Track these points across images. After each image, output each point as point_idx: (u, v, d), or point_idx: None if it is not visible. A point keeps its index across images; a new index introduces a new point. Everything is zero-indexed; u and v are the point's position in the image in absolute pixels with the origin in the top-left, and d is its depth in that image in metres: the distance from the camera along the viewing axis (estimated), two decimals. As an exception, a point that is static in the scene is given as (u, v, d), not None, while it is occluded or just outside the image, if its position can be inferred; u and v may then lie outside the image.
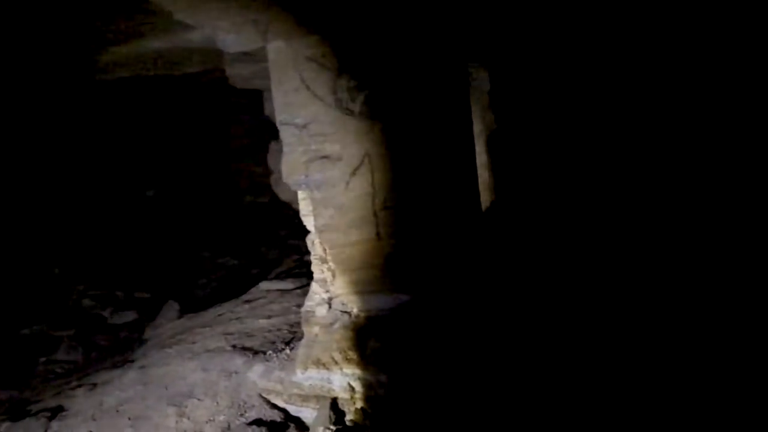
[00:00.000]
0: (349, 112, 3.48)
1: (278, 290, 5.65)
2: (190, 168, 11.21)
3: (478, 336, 3.42)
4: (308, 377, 3.62)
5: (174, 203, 10.96)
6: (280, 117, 3.50)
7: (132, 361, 5.01)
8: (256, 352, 4.18)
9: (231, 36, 3.55)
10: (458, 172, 3.59)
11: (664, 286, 3.35)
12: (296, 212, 3.83)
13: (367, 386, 3.50)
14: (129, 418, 3.84)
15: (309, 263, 7.05)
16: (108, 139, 10.00)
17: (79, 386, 4.67)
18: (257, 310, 5.14)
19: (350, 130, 3.48)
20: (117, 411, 4.01)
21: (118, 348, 5.91)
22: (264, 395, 3.79)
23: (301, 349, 3.62)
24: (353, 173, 3.51)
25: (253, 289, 6.10)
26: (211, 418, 3.67)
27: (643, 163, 3.27)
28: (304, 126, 3.49)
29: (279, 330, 4.56)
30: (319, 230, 3.53)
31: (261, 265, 8.50)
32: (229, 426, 3.58)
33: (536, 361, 3.43)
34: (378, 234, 3.53)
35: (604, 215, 3.39)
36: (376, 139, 3.49)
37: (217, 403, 3.77)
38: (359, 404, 3.50)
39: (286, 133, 3.50)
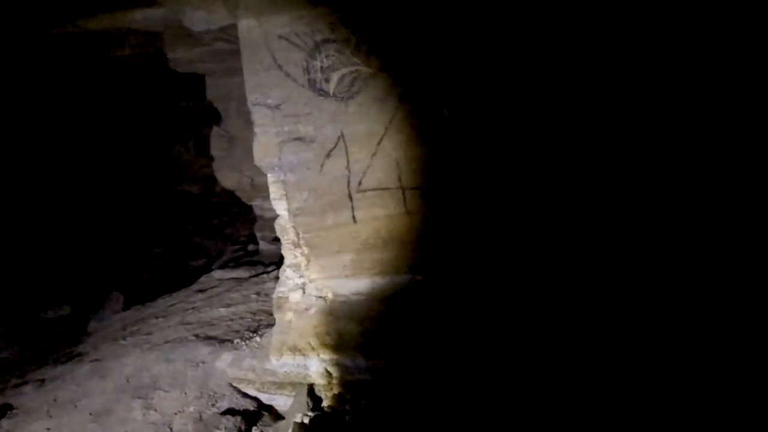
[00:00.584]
0: (323, 93, 3.43)
1: (233, 279, 5.53)
2: (121, 156, 10.74)
3: (459, 321, 3.37)
4: (283, 364, 3.56)
5: (103, 194, 10.49)
6: (251, 97, 3.42)
7: (81, 355, 4.82)
8: (221, 341, 4.07)
9: (199, 13, 3.45)
10: (435, 153, 3.50)
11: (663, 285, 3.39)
12: (231, 201, 3.72)
13: (345, 371, 3.48)
14: (90, 413, 3.70)
15: (253, 252, 6.95)
16: (36, 127, 9.47)
17: (25, 383, 4.45)
18: (214, 299, 5.00)
19: (324, 110, 3.45)
20: (75, 406, 3.85)
21: (58, 343, 5.65)
22: (234, 384, 3.72)
23: (275, 336, 3.55)
24: (328, 155, 3.47)
25: (203, 278, 5.94)
26: (180, 410, 3.57)
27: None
28: (277, 106, 3.41)
29: (242, 318, 4.46)
30: (293, 214, 3.47)
31: (198, 254, 8.23)
32: (200, 416, 3.49)
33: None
34: (354, 217, 3.49)
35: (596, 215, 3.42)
36: (351, 120, 3.45)
37: (185, 393, 3.67)
38: (336, 390, 3.49)
39: (258, 114, 3.42)
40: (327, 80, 3.47)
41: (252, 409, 3.62)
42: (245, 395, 3.73)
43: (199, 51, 6.69)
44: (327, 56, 3.46)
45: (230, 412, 3.57)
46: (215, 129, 7.72)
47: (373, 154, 3.54)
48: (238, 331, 4.32)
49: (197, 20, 3.50)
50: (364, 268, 3.61)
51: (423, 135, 3.57)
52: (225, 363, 3.84)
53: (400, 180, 3.57)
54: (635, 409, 2.99)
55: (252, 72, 3.47)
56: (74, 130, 9.92)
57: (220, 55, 6.93)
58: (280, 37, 3.44)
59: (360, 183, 3.55)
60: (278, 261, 6.16)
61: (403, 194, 3.58)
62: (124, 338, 4.77)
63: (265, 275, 5.49)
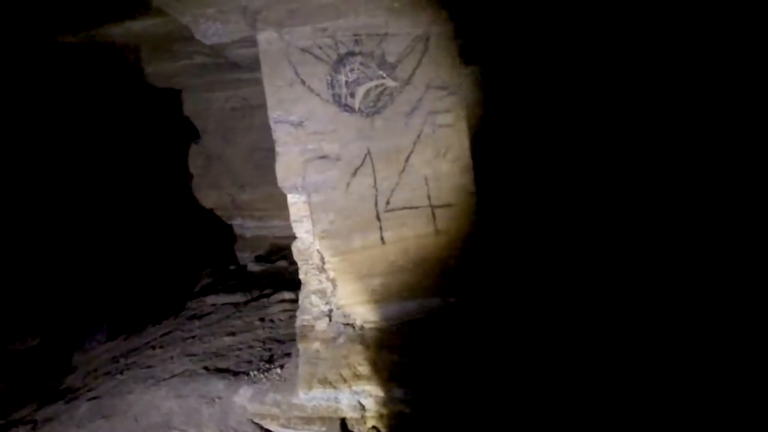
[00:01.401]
0: (348, 108, 3.28)
1: (229, 304, 5.29)
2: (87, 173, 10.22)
3: (499, 344, 3.21)
4: (312, 398, 3.38)
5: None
6: (273, 114, 3.24)
7: (72, 391, 4.51)
8: (235, 374, 3.84)
9: (215, 25, 3.22)
10: (465, 169, 3.35)
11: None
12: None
13: (381, 403, 3.29)
14: (100, 458, 3.34)
15: (236, 273, 6.66)
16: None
17: (12, 426, 4.07)
18: (214, 327, 4.75)
19: (350, 127, 3.32)
20: None
21: (37, 378, 5.22)
22: (257, 421, 3.55)
23: (303, 368, 3.35)
24: (354, 173, 3.32)
25: (192, 304, 5.67)
26: None
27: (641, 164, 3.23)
28: (300, 123, 3.25)
29: (251, 348, 4.22)
30: (319, 237, 3.30)
31: (174, 278, 7.87)
32: None
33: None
34: (382, 238, 3.32)
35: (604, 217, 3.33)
36: (377, 136, 3.33)
37: None
38: (370, 423, 3.35)
39: (280, 132, 3.24)
40: (352, 95, 3.33)
41: (278, 447, 3.36)
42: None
43: (177, 65, 6.40)
44: (352, 70, 3.32)
45: (255, 451, 3.30)
46: (193, 146, 7.42)
47: (401, 171, 3.41)
48: (250, 362, 4.08)
49: (211, 32, 3.29)
50: (394, 292, 3.46)
51: (452, 153, 3.40)
52: (244, 398, 3.61)
53: (429, 198, 3.44)
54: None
55: (273, 87, 3.28)
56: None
57: (199, 69, 6.68)
58: (303, 50, 3.28)
59: (388, 202, 3.40)
60: (270, 283, 5.91)
61: (433, 213, 3.47)
62: (120, 372, 4.48)
63: (264, 299, 5.25)
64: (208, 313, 5.38)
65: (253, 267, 6.64)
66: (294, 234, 6.16)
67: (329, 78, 3.36)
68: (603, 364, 3.23)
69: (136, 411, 3.91)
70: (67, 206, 9.39)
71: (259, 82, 7.02)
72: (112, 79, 7.89)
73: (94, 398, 4.29)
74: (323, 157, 3.42)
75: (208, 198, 7.77)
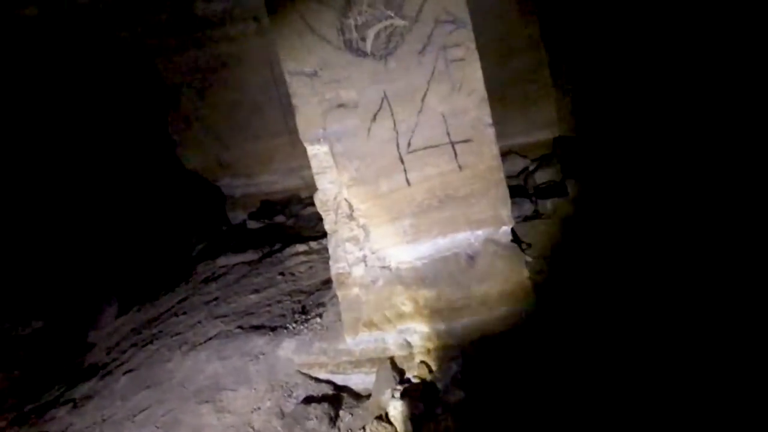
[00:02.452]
0: (361, 53, 3.27)
1: (242, 263, 5.29)
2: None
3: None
4: (359, 341, 3.47)
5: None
6: (287, 66, 3.24)
7: (102, 367, 4.48)
8: (273, 329, 3.92)
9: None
10: (483, 101, 3.36)
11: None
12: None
13: (426, 338, 3.37)
14: (157, 427, 3.43)
15: (233, 232, 6.63)
16: None
17: (51, 407, 4.11)
18: (235, 287, 4.80)
19: (364, 71, 3.32)
20: (132, 422, 3.59)
21: (50, 360, 5.19)
22: (304, 371, 3.59)
23: (346, 314, 3.42)
24: (373, 119, 3.35)
25: (201, 268, 5.63)
26: (256, 407, 3.44)
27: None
28: (315, 74, 3.23)
29: (279, 302, 4.28)
30: (347, 185, 3.35)
31: (169, 243, 7.78)
32: (281, 411, 3.38)
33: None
34: (407, 180, 3.36)
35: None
36: (392, 78, 3.31)
37: (255, 389, 3.53)
38: (419, 358, 3.45)
39: (296, 85, 3.24)
40: (363, 39, 3.31)
41: (331, 393, 3.52)
42: (318, 380, 3.62)
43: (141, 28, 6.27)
44: (360, 13, 3.29)
45: (310, 399, 3.41)
46: (171, 112, 7.27)
47: (419, 111, 3.40)
48: (284, 316, 4.14)
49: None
50: (424, 231, 3.51)
51: (466, 87, 3.41)
52: (288, 350, 3.69)
53: (448, 135, 3.45)
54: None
55: (285, 39, 3.28)
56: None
57: (166, 29, 6.55)
58: (309, -3, 3.18)
59: (409, 143, 3.42)
60: (274, 238, 5.91)
61: (454, 149, 3.49)
62: (150, 342, 4.51)
63: (278, 254, 5.27)
64: (223, 275, 5.39)
65: (252, 224, 6.63)
66: (299, 186, 6.14)
67: (338, 24, 3.32)
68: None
69: (180, 377, 3.95)
70: (54, 184, 9.17)
71: (229, 38, 6.93)
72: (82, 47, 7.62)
73: (131, 371, 4.32)
74: (341, 105, 3.40)
75: (191, 159, 7.68)
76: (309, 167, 7.25)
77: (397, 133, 3.46)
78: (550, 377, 3.08)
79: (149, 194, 10.12)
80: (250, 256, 5.53)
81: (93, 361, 5.05)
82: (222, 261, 5.64)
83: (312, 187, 7.39)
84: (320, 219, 6.12)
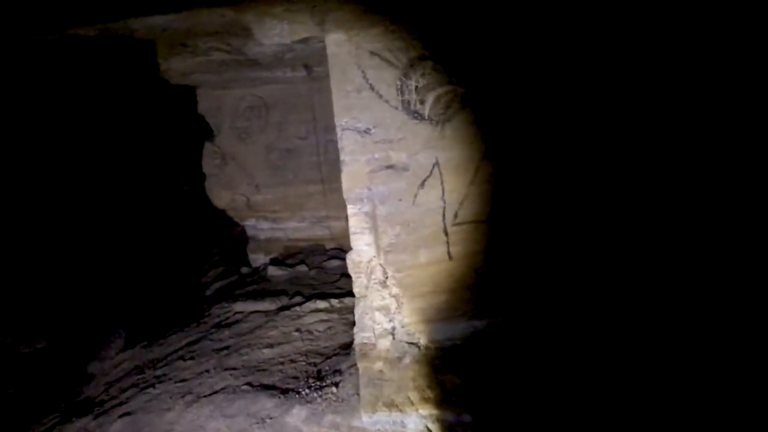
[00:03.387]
0: (418, 116, 3.08)
1: (258, 312, 5.04)
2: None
3: (571, 366, 3.03)
4: (377, 421, 3.21)
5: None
6: (340, 121, 3.05)
7: (98, 405, 4.20)
8: (284, 392, 3.65)
9: (280, 24, 2.97)
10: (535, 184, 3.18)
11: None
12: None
13: (448, 428, 3.05)
14: (148, 485, 3.11)
15: (252, 277, 6.42)
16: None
17: (39, 441, 3.83)
18: (248, 338, 4.53)
19: (418, 135, 3.12)
20: None
21: (46, 385, 4.94)
22: (312, 443, 3.21)
23: (366, 389, 3.15)
24: (422, 185, 3.14)
25: (216, 311, 5.40)
26: None
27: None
28: (367, 131, 3.05)
29: (293, 362, 4.02)
30: (385, 251, 3.11)
31: (185, 279, 7.60)
32: None
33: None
34: (449, 253, 3.14)
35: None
36: (447, 146, 3.16)
37: None
38: None
39: (347, 140, 3.05)
40: (422, 102, 3.14)
41: (337, 472, 3.16)
42: (325, 456, 3.26)
43: (194, 61, 6.16)
44: (423, 75, 3.13)
45: (314, 477, 3.10)
46: (207, 146, 7.16)
47: (470, 183, 3.18)
48: (297, 378, 3.87)
49: (274, 33, 3.06)
50: (460, 310, 3.26)
51: (523, 162, 3.23)
52: (298, 419, 3.42)
53: (498, 211, 3.21)
54: None
55: (341, 92, 3.09)
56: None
57: (216, 66, 6.45)
58: (372, 53, 3.08)
59: (456, 215, 3.22)
60: (294, 290, 5.69)
61: (502, 227, 3.22)
62: (151, 385, 4.25)
63: (297, 308, 5.03)
64: (237, 321, 5.15)
65: (274, 271, 6.40)
66: (325, 237, 5.91)
67: (399, 83, 3.17)
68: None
69: (178, 431, 3.68)
70: (76, 204, 9.09)
71: (276, 81, 6.84)
72: (125, 75, 7.61)
73: (128, 414, 4.05)
74: (390, 166, 3.22)
75: (221, 198, 7.52)
76: (337, 218, 7.17)
77: (444, 202, 3.27)
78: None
79: (173, 228, 10.02)
80: (268, 305, 5.30)
81: (90, 394, 4.79)
82: (239, 306, 5.41)
83: (338, 239, 7.29)
84: (344, 274, 5.97)
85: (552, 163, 3.24)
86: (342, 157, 3.23)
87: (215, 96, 7.17)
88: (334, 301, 5.05)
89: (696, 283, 3.27)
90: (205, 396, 3.94)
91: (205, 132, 7.47)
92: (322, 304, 5.02)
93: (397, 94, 3.18)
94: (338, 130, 3.20)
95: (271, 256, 7.38)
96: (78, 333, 6.20)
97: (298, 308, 5.08)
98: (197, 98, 7.29)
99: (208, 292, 6.85)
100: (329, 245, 7.19)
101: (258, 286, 6.17)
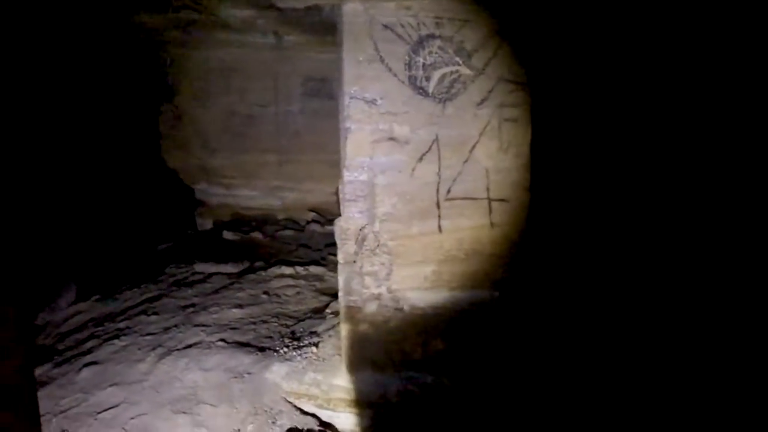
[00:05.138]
0: (422, 92, 3.26)
1: (221, 274, 5.07)
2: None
3: (539, 338, 3.29)
4: (359, 380, 3.34)
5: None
6: (349, 89, 3.18)
7: (58, 353, 4.17)
8: (261, 349, 3.76)
9: (300, -11, 3.07)
10: (526, 166, 3.39)
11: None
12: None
13: (428, 390, 3.25)
14: (125, 429, 3.20)
15: (205, 240, 6.40)
16: None
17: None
18: (215, 297, 4.61)
19: (421, 111, 3.31)
20: (95, 419, 3.36)
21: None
22: (291, 400, 3.41)
23: (350, 350, 3.32)
24: (420, 159, 3.33)
25: (172, 269, 5.40)
26: (237, 428, 3.26)
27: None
28: (374, 101, 3.21)
29: (265, 322, 4.13)
30: (381, 219, 3.28)
31: (129, 237, 7.47)
32: None
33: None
34: (440, 227, 3.31)
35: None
36: (447, 124, 3.33)
37: (237, 409, 3.35)
38: (416, 409, 3.22)
39: (354, 109, 3.18)
40: (428, 78, 3.29)
41: (316, 428, 3.32)
42: (303, 412, 3.44)
43: (162, 18, 6.11)
44: (430, 53, 3.28)
45: (294, 431, 3.22)
46: (166, 105, 7.07)
47: (465, 161, 3.39)
48: (271, 338, 3.98)
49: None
50: (444, 281, 3.47)
51: (515, 147, 3.43)
52: (278, 375, 3.52)
53: (488, 191, 3.43)
54: None
55: (352, 62, 3.21)
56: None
57: (183, 23, 6.40)
58: (385, 26, 3.21)
59: (449, 191, 3.40)
60: (250, 255, 5.74)
61: (490, 206, 3.48)
62: (116, 337, 4.24)
63: (262, 272, 5.09)
64: (199, 282, 5.16)
65: (228, 236, 6.41)
66: (276, 207, 5.93)
67: (407, 58, 3.30)
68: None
69: (153, 381, 3.72)
70: (19, 155, 8.71)
71: (243, 45, 6.82)
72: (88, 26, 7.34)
73: (94, 363, 4.04)
74: (392, 138, 3.35)
75: (175, 159, 7.45)
76: (291, 189, 7.22)
77: (439, 178, 3.43)
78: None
79: (119, 184, 9.76)
80: (230, 268, 5.33)
81: (43, 344, 4.72)
82: (199, 267, 5.41)
83: (289, 210, 7.34)
84: (301, 245, 6.06)
85: (545, 150, 3.45)
86: (347, 124, 3.32)
87: (178, 54, 7.06)
88: (299, 268, 5.14)
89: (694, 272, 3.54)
90: (177, 350, 3.98)
91: (163, 91, 7.35)
92: (287, 270, 5.11)
93: (405, 69, 3.31)
94: (346, 98, 3.30)
95: (220, 221, 7.35)
96: (24, 283, 6.01)
97: (262, 272, 5.15)
98: (160, 55, 7.17)
99: (155, 252, 6.78)
100: (281, 216, 7.23)
101: (213, 250, 6.16)
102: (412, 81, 3.33)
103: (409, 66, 3.32)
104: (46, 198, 8.46)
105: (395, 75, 3.31)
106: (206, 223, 7.52)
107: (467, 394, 3.40)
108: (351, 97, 3.30)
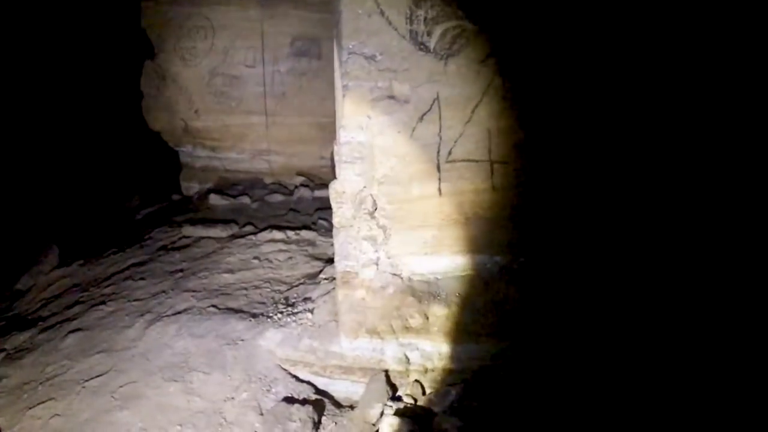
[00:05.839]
0: (424, 47, 3.12)
1: (209, 238, 4.95)
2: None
3: (545, 311, 3.21)
4: (356, 347, 3.29)
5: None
6: (348, 44, 3.03)
7: (42, 319, 4.05)
8: (254, 315, 3.66)
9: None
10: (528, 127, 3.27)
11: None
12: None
13: (427, 357, 3.19)
14: (113, 397, 3.15)
15: (191, 203, 6.25)
16: None
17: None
18: (204, 262, 4.48)
19: (422, 68, 3.17)
20: (83, 386, 3.28)
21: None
22: (286, 367, 3.33)
23: (347, 315, 3.22)
24: (421, 119, 3.19)
25: (159, 234, 5.28)
26: (230, 396, 3.15)
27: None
28: (373, 57, 3.06)
29: (257, 288, 4.03)
30: (379, 182, 3.18)
31: (111, 200, 7.29)
32: (259, 405, 3.08)
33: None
34: (440, 190, 3.21)
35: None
36: (449, 82, 3.18)
37: (230, 377, 3.26)
38: (414, 376, 3.28)
39: (353, 65, 3.03)
40: (429, 33, 3.15)
41: (313, 396, 3.24)
42: (299, 380, 3.37)
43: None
44: (432, 6, 3.11)
45: (291, 400, 3.18)
46: (148, 64, 6.84)
47: (467, 122, 3.25)
48: (264, 304, 3.88)
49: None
50: (445, 245, 3.37)
51: (519, 106, 3.30)
52: (272, 342, 3.43)
53: (489, 152, 3.31)
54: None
55: (352, 14, 3.06)
56: None
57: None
58: (386, -24, 3.01)
59: (450, 152, 3.29)
60: (239, 219, 5.60)
61: (492, 168, 3.34)
62: (102, 303, 4.12)
63: (252, 236, 4.95)
64: (186, 246, 5.02)
65: (216, 200, 6.25)
66: (264, 171, 5.78)
67: (408, 11, 3.14)
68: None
69: (143, 348, 3.61)
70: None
71: (228, 2, 6.59)
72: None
73: (79, 329, 3.92)
74: (392, 97, 3.22)
75: (158, 120, 7.23)
76: (279, 153, 7.05)
77: (440, 139, 3.30)
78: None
79: (101, 145, 9.52)
80: (219, 232, 5.19)
81: (26, 310, 4.59)
82: (187, 231, 5.27)
83: (277, 174, 7.18)
84: (291, 209, 5.92)
85: (550, 114, 3.33)
86: (345, 82, 3.18)
87: (161, 11, 6.83)
88: (290, 233, 5.01)
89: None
90: (167, 315, 3.86)
91: (145, 49, 7.11)
92: (278, 235, 4.98)
93: (406, 23, 3.15)
94: (344, 54, 3.14)
95: (206, 185, 7.18)
96: (3, 247, 5.85)
97: (252, 237, 5.02)
98: (142, 12, 6.92)
99: (138, 216, 6.63)
100: (268, 180, 7.08)
101: (199, 214, 6.01)
102: (413, 36, 3.18)
103: (410, 20, 3.16)
104: (26, 161, 8.25)
105: (395, 29, 3.15)
106: (192, 187, 7.35)
107: (467, 362, 3.32)
108: (350, 53, 3.15)
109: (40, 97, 8.94)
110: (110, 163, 9.03)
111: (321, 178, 6.83)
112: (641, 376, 3.19)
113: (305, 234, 5.00)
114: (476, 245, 3.45)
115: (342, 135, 3.29)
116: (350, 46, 3.14)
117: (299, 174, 6.94)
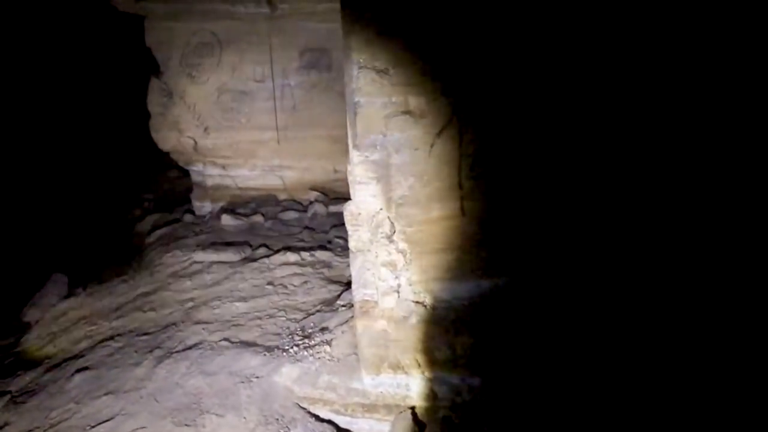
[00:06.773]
0: None
1: (222, 263, 4.74)
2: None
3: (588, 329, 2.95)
4: (380, 383, 3.05)
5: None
6: (358, 58, 2.79)
7: (47, 357, 3.84)
8: (268, 349, 3.44)
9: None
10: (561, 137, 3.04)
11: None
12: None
13: (455, 391, 2.92)
14: (123, 446, 2.85)
15: (203, 225, 6.04)
16: None
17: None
18: (216, 290, 4.26)
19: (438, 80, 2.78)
20: None
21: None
22: (305, 405, 3.06)
23: (368, 349, 2.98)
24: (439, 134, 2.87)
25: (169, 259, 5.08)
26: None
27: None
28: (386, 71, 2.77)
29: (271, 317, 3.80)
30: (397, 204, 2.92)
31: (119, 222, 7.12)
32: None
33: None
34: (462, 209, 2.93)
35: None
36: (468, 93, 2.83)
37: (245, 419, 3.03)
38: (442, 413, 2.97)
39: (363, 80, 2.81)
40: (442, 41, 2.87)
41: (334, 436, 2.98)
42: (319, 419, 3.11)
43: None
44: (446, 12, 2.85)
45: (311, 441, 2.91)
46: (154, 81, 6.65)
47: (491, 134, 2.97)
48: (279, 335, 3.65)
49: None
50: (470, 269, 3.09)
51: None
52: (289, 378, 3.21)
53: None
54: None
55: (359, 27, 2.78)
56: None
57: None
58: (395, -13, 2.78)
59: (472, 168, 3.05)
60: (253, 241, 5.39)
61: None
62: (111, 338, 3.91)
63: (265, 259, 4.73)
64: (197, 272, 4.81)
65: (228, 221, 6.04)
66: (277, 187, 5.58)
67: (420, 20, 2.91)
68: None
69: (152, 388, 3.39)
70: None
71: (233, 16, 6.41)
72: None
73: (86, 368, 3.71)
74: (407, 112, 2.98)
75: (166, 140, 7.03)
76: (291, 168, 6.84)
77: (461, 154, 3.06)
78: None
79: (109, 167, 9.38)
80: (231, 256, 4.98)
81: (32, 346, 4.39)
82: (198, 257, 5.05)
83: (291, 190, 6.97)
84: (306, 227, 5.70)
85: (579, 121, 3.09)
86: (356, 98, 2.95)
87: (165, 28, 6.66)
88: (305, 254, 4.79)
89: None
90: (177, 351, 3.65)
91: (151, 67, 6.94)
92: (292, 257, 4.75)
93: (420, 33, 2.93)
94: (354, 69, 2.92)
95: (219, 204, 6.99)
96: (9, 277, 5.67)
97: (266, 260, 4.80)
98: (145, 29, 6.75)
99: (149, 239, 6.43)
100: (281, 196, 6.88)
101: (211, 236, 5.80)
102: (427, 46, 2.95)
103: (423, 29, 2.94)
104: (30, 186, 8.11)
105: (408, 40, 2.93)
106: (204, 207, 7.15)
107: (499, 395, 3.07)
108: (360, 67, 2.92)
109: (46, 114, 8.81)
110: (120, 182, 8.87)
111: (335, 191, 6.63)
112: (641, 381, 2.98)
113: (320, 255, 4.78)
114: (503, 267, 3.21)
115: (355, 155, 3.06)
116: (360, 60, 2.91)
117: (313, 189, 6.73)
